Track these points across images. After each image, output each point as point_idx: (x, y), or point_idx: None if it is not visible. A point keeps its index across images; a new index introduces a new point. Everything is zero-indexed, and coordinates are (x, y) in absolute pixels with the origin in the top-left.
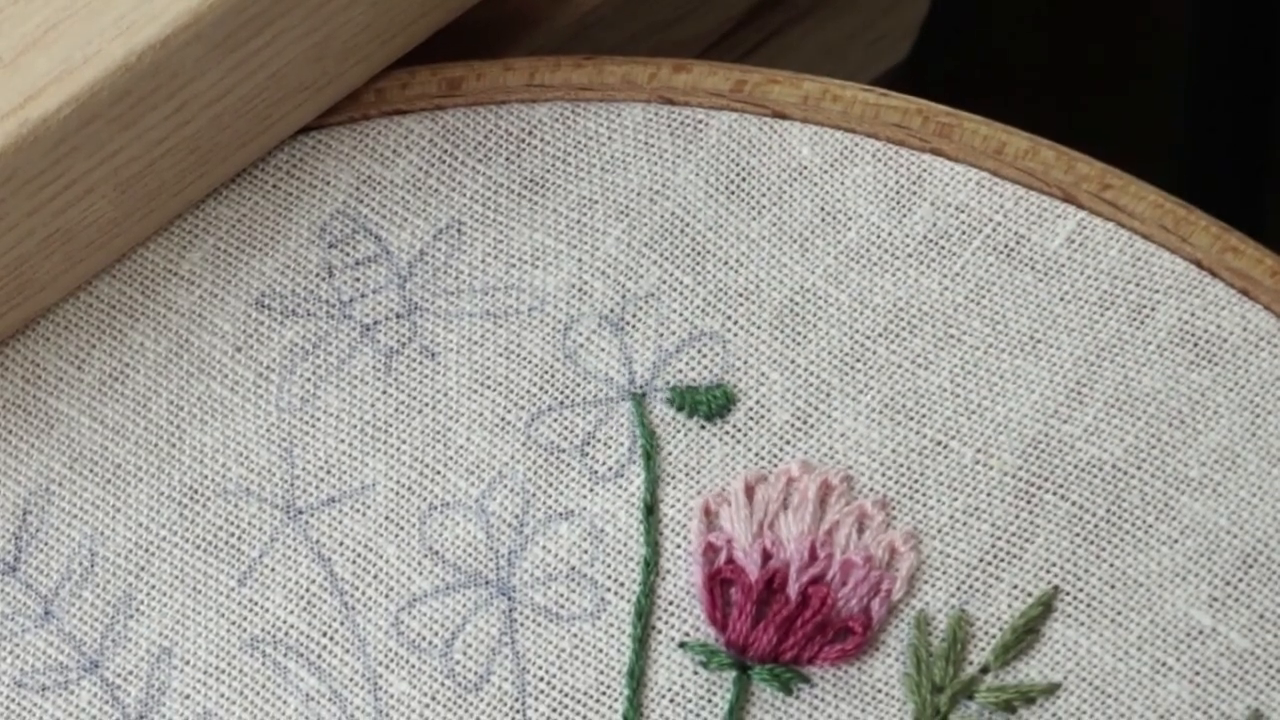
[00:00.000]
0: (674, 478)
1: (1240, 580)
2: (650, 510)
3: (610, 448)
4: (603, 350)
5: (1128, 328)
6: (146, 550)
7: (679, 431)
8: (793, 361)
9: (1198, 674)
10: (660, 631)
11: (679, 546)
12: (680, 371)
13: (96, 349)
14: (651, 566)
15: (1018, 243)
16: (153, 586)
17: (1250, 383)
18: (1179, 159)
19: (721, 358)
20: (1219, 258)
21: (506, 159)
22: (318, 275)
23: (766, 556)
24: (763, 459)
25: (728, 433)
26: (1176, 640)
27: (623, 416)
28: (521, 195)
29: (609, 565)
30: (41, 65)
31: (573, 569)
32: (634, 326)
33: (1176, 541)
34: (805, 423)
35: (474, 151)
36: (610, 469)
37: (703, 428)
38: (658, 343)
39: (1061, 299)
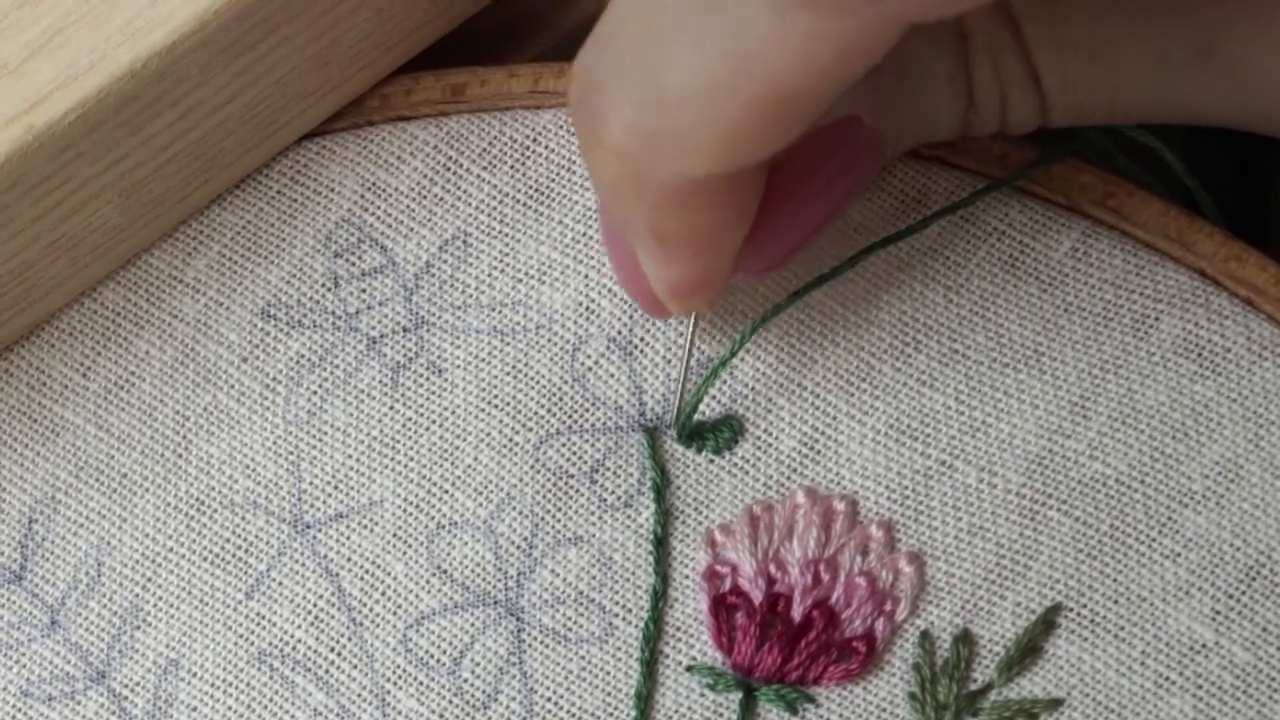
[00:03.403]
0: (683, 511)
1: (1243, 594)
2: (660, 543)
3: (620, 477)
4: (611, 376)
5: (1131, 340)
6: (153, 561)
7: (688, 465)
8: (800, 385)
9: (1200, 689)
10: (668, 656)
11: (686, 576)
12: (687, 402)
13: (102, 356)
14: (659, 595)
15: (1021, 253)
16: (160, 598)
17: (1253, 394)
18: (1179, 158)
19: (729, 384)
20: (1223, 266)
21: (511, 167)
22: (323, 285)
23: (771, 581)
24: (770, 488)
25: (735, 465)
26: (1179, 655)
27: (632, 447)
28: (527, 206)
29: (617, 592)
30: (47, 71)
31: (581, 594)
32: (643, 351)
33: (1179, 556)
34: (811, 449)
35: (479, 159)
36: (619, 499)
37: (711, 461)
38: (666, 369)
39: (1065, 311)
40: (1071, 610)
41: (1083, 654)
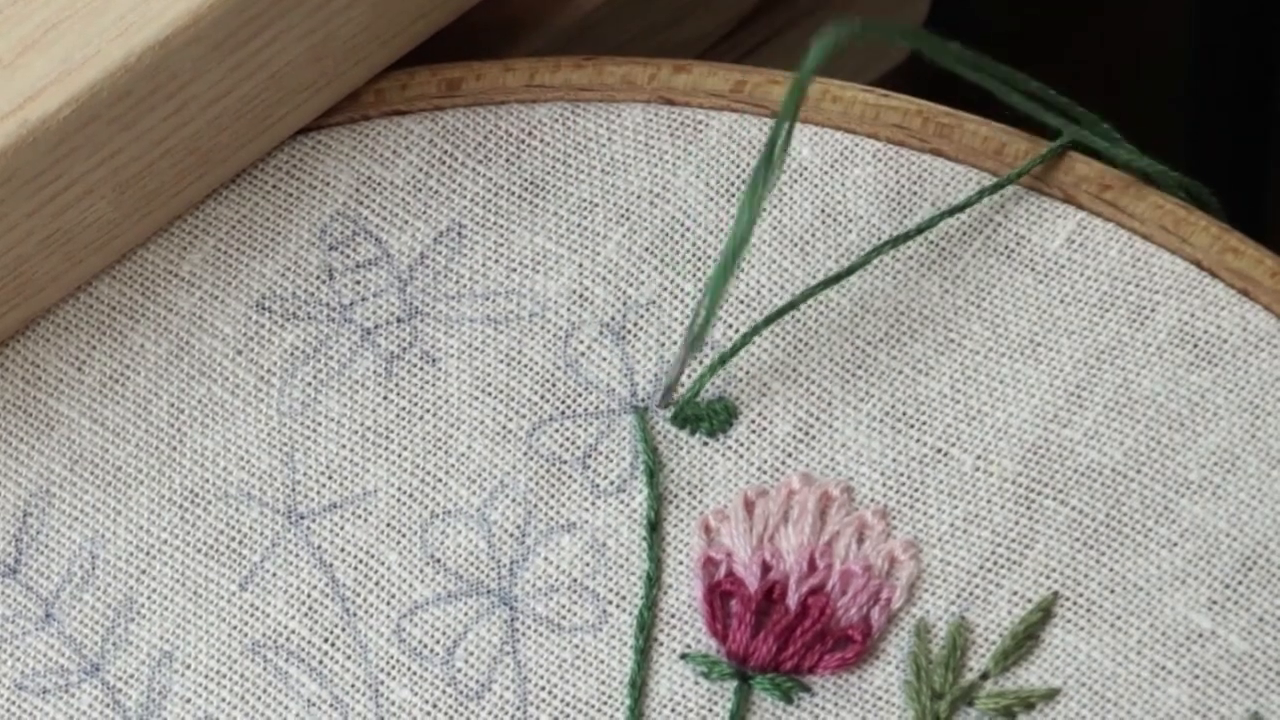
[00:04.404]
0: (676, 495)
1: (1240, 583)
2: (653, 528)
3: (612, 462)
4: (604, 360)
5: (1127, 329)
6: (147, 553)
7: (681, 448)
8: (794, 370)
9: (1197, 677)
10: (662, 644)
11: (681, 563)
12: (682, 384)
13: (97, 350)
14: (654, 581)
15: (1018, 244)
16: (154, 590)
17: (1250, 384)
18: (1178, 159)
19: (723, 368)
20: (1219, 258)
21: (506, 160)
22: (318, 278)
23: (766, 568)
24: (764, 473)
25: (730, 448)
26: (1176, 644)
27: (624, 430)
28: (522, 198)
29: (611, 579)
30: (41, 66)
31: (574, 581)
32: (635, 335)
33: (1176, 545)
34: (807, 434)
35: (474, 153)
36: (612, 483)
37: (705, 444)
38: (659, 353)
39: (1061, 301)
40: (1068, 599)
41: (1079, 643)
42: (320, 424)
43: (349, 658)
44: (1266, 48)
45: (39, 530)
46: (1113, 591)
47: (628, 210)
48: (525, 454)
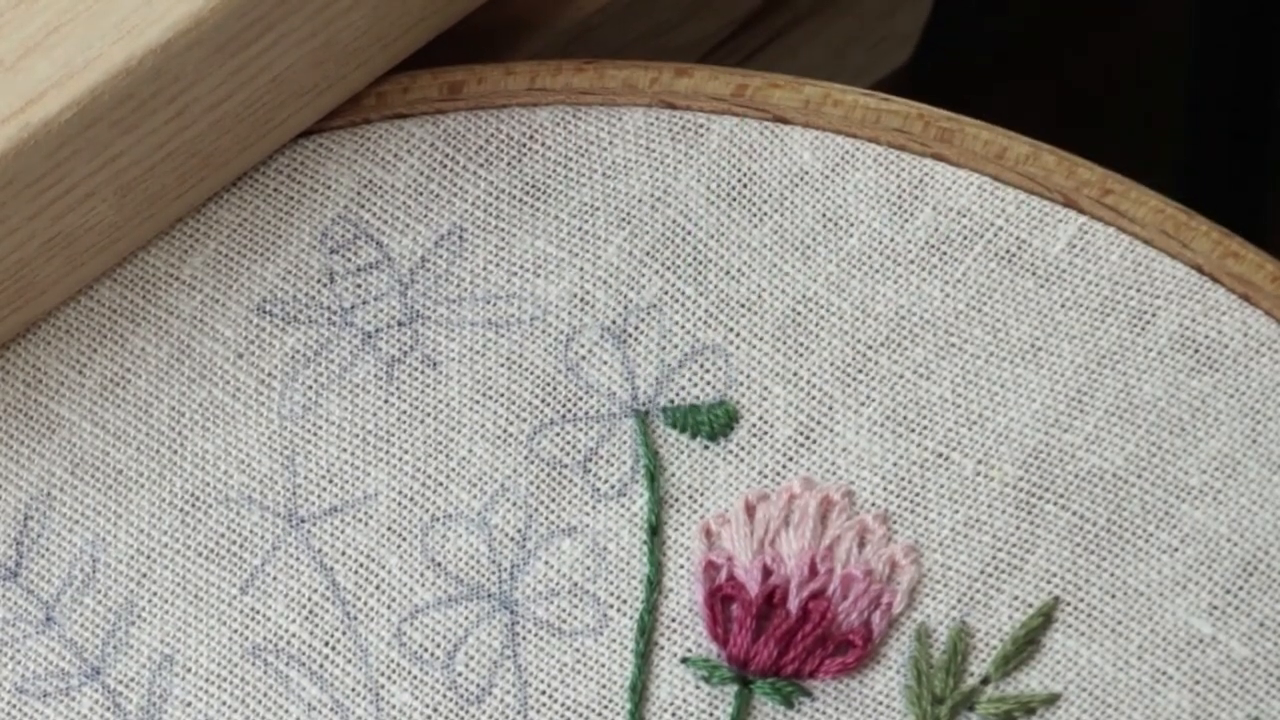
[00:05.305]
0: (677, 499)
1: (1240, 588)
2: (654, 532)
3: (613, 466)
4: (605, 364)
5: (1128, 334)
6: (148, 557)
7: (682, 452)
8: (795, 374)
9: (1198, 683)
10: (662, 648)
11: (681, 566)
12: (683, 388)
13: (98, 354)
14: (654, 585)
15: (1019, 248)
16: (154, 593)
17: (1251, 389)
18: (1179, 163)
19: (724, 372)
20: (1220, 263)
21: (508, 164)
22: (319, 281)
23: (767, 573)
24: (765, 477)
25: (730, 452)
26: (1177, 649)
27: (625, 434)
28: (523, 201)
29: (611, 583)
30: (42, 69)
31: (575, 585)
32: (636, 339)
33: (1177, 550)
34: (808, 438)
35: (475, 156)
36: (613, 487)
37: (706, 448)
38: (660, 357)
39: (1062, 305)
40: (1069, 604)
41: (1080, 648)
42: (321, 427)
43: (349, 661)
44: (1266, 48)
45: (40, 533)
46: (1113, 596)
47: (629, 214)
48: (526, 458)
